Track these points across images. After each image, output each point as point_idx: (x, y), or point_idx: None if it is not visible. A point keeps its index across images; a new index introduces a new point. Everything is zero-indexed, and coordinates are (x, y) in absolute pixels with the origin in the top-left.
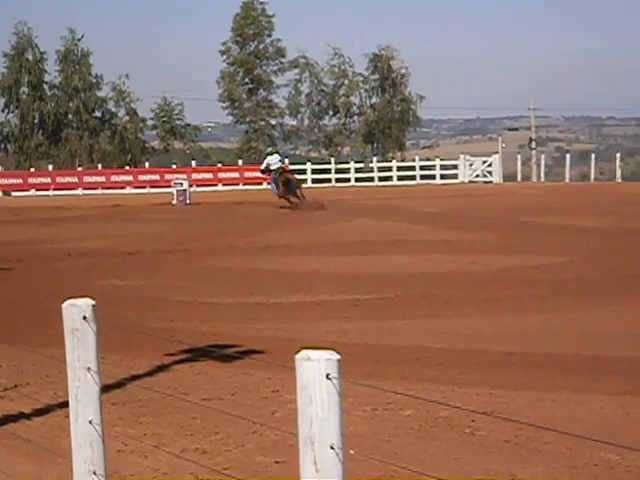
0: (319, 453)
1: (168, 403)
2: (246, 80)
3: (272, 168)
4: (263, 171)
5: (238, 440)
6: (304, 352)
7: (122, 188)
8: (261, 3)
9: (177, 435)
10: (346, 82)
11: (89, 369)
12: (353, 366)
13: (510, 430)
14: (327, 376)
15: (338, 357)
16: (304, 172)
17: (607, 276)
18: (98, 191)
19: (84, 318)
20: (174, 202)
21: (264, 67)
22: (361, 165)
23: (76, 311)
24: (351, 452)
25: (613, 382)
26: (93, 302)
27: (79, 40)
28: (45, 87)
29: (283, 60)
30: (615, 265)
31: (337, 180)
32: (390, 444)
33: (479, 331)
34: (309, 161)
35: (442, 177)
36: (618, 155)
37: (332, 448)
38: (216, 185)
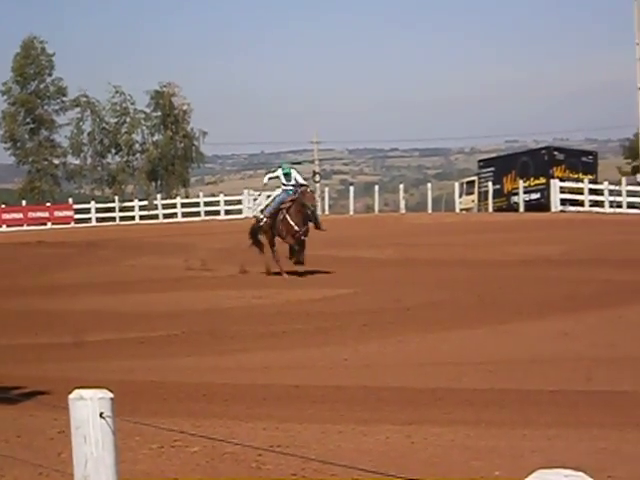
0: None
1: None
2: (27, 120)
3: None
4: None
5: None
6: (77, 392)
7: None
8: (41, 42)
9: None
10: (128, 120)
11: None
12: (139, 404)
13: (297, 463)
14: (101, 415)
15: (111, 395)
16: (89, 211)
17: (392, 306)
18: None
19: None
20: None
21: (45, 106)
22: (145, 203)
23: None
24: None
25: (398, 412)
26: None
27: None
28: None
29: (64, 99)
30: (399, 295)
31: (122, 218)
32: None
33: (265, 365)
34: (93, 200)
35: (227, 212)
36: (402, 186)
37: None
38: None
